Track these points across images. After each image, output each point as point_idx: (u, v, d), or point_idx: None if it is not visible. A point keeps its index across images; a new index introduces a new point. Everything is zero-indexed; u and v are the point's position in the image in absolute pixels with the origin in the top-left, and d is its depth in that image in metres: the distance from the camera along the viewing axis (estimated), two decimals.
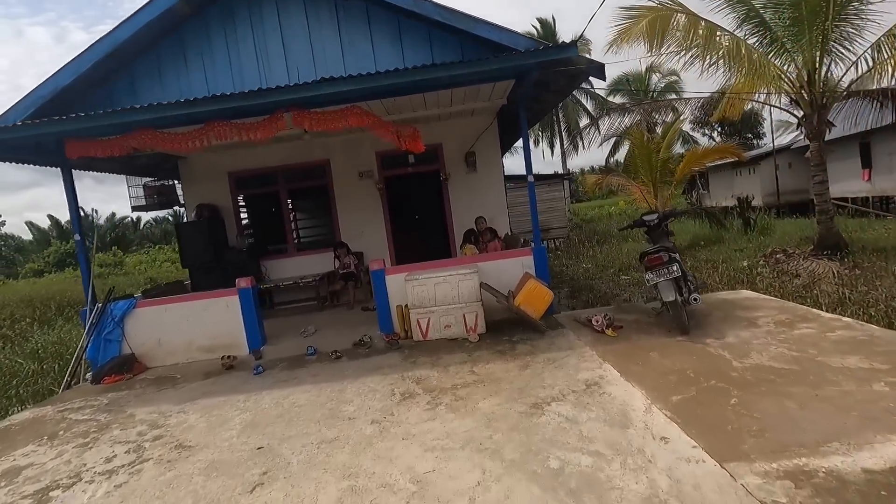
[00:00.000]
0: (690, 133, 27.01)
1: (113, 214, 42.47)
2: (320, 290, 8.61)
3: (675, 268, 5.07)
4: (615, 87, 29.27)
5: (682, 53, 10.74)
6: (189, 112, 5.33)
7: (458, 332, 6.09)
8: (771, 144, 21.65)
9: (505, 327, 6.15)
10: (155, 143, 5.61)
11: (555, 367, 4.66)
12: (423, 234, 11.41)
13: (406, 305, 6.24)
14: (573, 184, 36.29)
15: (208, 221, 8.73)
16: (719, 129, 27.18)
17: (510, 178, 14.87)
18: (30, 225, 39.71)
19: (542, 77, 6.35)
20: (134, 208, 8.36)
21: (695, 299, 5.04)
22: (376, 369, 5.31)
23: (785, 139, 23.18)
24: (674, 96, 12.55)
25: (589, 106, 28.90)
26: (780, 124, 24.55)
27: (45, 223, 39.21)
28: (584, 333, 5.60)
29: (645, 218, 5.97)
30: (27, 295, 19.50)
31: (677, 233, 16.89)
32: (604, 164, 29.08)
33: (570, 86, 6.63)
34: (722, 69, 11.11)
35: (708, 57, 10.52)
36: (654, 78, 26.86)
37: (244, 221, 10.19)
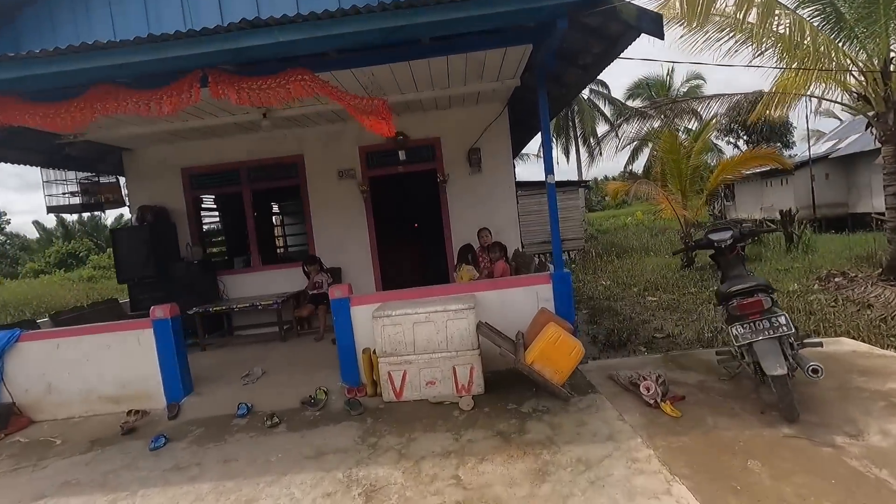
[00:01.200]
0: (714, 141, 24.92)
1: (121, 215, 41.31)
2: (283, 315, 6.82)
3: (782, 320, 3.18)
4: (634, 92, 27.32)
5: (727, 36, 8.86)
6: (58, 71, 3.58)
7: (445, 391, 4.24)
8: (807, 154, 19.54)
9: (510, 384, 4.29)
10: (19, 117, 3.87)
11: (591, 484, 2.78)
12: (419, 247, 9.59)
13: (374, 351, 4.41)
14: (588, 192, 34.28)
15: (152, 227, 6.99)
16: (745, 137, 25.05)
17: (518, 186, 13.00)
18: (36, 224, 38.67)
19: (570, 40, 4.52)
20: (50, 209, 6.62)
21: (813, 371, 3.10)
22: (317, 456, 3.48)
23: (820, 148, 21.03)
24: (701, 99, 10.71)
25: (607, 111, 26.93)
26: (811, 133, 22.39)
27: (52, 223, 38.18)
28: (627, 406, 3.72)
29: (713, 237, 4.08)
30: (5, 299, 18.05)
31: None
32: (622, 172, 27.04)
33: (608, 55, 4.76)
34: (775, 57, 9.27)
35: (765, 41, 8.64)
36: (677, 81, 24.87)
37: (208, 227, 8.50)
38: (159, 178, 7.49)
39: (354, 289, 7.70)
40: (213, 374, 5.56)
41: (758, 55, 9.12)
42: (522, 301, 4.71)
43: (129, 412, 4.70)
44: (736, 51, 9.02)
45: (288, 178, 7.53)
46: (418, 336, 4.23)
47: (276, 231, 11.45)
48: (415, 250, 9.19)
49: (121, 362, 4.85)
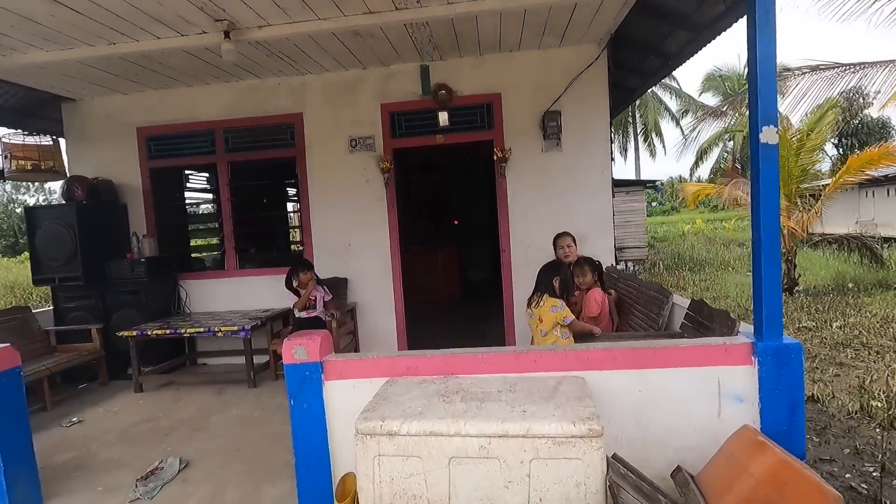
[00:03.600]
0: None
1: None
2: (257, 343, 4.46)
3: None
4: (706, 86, 23.87)
5: None
6: None
7: None
8: None
9: None
10: None
11: None
12: (463, 253, 7.00)
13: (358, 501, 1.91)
14: (661, 194, 31.00)
15: (83, 207, 4.76)
16: (835, 141, 21.29)
17: None
18: None
19: None
20: None
21: None
22: None
23: None
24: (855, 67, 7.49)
25: (672, 105, 23.61)
26: None
27: None
28: None
29: None
30: (21, 280, 16.56)
31: (800, 266, 11.69)
32: (688, 175, 23.73)
33: None
34: None
35: None
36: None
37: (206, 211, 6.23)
38: (108, 139, 5.26)
39: (367, 317, 4.95)
40: (107, 453, 3.22)
41: None
42: (686, 395, 2.12)
43: None
44: None
45: (280, 147, 5.14)
46: (461, 489, 1.70)
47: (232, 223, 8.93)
48: (456, 258, 6.62)
49: None
